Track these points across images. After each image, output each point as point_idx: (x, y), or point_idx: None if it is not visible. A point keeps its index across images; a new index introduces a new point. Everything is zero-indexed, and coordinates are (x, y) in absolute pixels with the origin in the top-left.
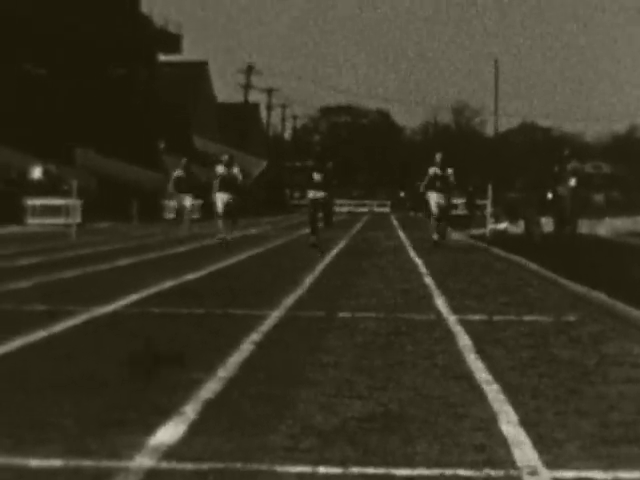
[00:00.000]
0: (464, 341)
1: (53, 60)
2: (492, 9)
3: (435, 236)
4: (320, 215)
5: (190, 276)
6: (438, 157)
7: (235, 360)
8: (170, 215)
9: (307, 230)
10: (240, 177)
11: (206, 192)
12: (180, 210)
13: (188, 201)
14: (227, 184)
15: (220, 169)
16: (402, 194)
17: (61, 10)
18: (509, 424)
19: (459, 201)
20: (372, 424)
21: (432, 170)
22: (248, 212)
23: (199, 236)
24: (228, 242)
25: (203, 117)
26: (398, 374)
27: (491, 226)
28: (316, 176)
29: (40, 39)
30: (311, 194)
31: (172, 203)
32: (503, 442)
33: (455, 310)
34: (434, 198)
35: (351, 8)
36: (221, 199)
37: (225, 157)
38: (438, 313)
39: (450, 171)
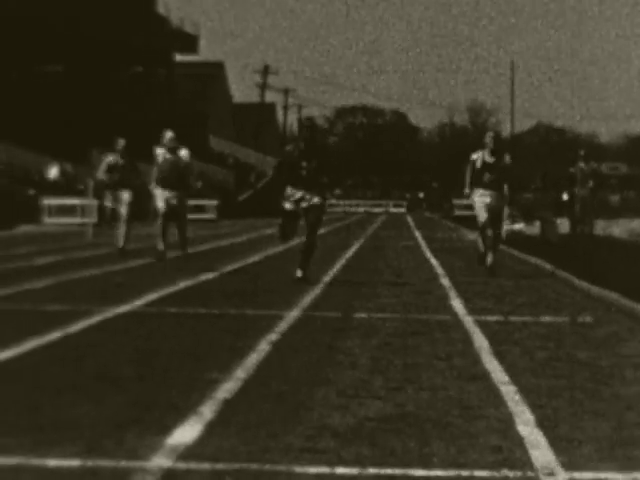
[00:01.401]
0: (480, 342)
1: (69, 60)
2: (508, 10)
3: (489, 258)
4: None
5: (207, 276)
6: (489, 138)
7: (252, 360)
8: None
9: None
10: (190, 165)
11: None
12: (113, 211)
13: (125, 199)
14: (171, 176)
15: (161, 153)
16: (421, 195)
17: (77, 10)
18: (526, 425)
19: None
20: (389, 425)
21: (478, 156)
22: (263, 213)
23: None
24: (165, 258)
25: (219, 117)
26: (415, 374)
27: (507, 227)
28: (305, 165)
29: (56, 39)
30: (291, 194)
31: (107, 201)
32: (520, 443)
33: (471, 311)
34: (481, 199)
35: (368, 9)
36: (162, 198)
37: (168, 136)
38: (454, 314)
39: (508, 158)
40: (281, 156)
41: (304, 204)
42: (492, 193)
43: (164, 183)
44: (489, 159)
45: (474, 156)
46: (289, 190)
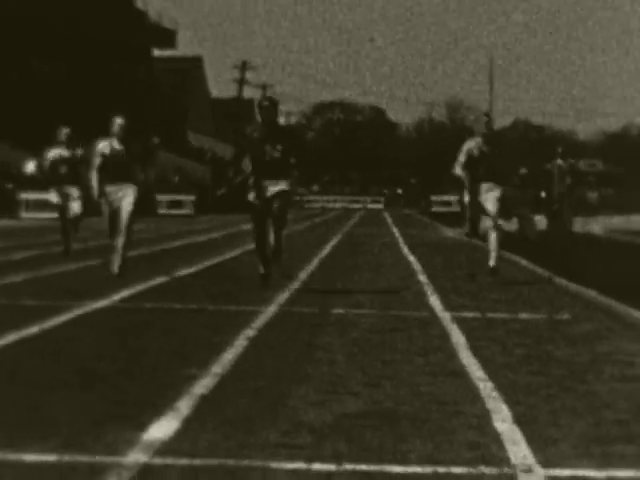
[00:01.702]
0: (458, 338)
1: (49, 55)
2: (487, 6)
3: (492, 262)
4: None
5: (184, 271)
6: (482, 123)
7: (229, 356)
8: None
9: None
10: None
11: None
12: (62, 209)
13: (74, 196)
14: (119, 169)
15: (106, 145)
16: (399, 191)
17: (57, 6)
18: (503, 422)
19: (452, 198)
20: (366, 421)
21: (472, 145)
22: (241, 208)
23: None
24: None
25: (198, 112)
26: (392, 371)
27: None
28: (269, 149)
29: (37, 35)
30: (253, 185)
31: (53, 197)
32: (497, 440)
33: (449, 307)
34: (488, 193)
35: (346, 5)
36: (110, 195)
37: (118, 122)
38: (432, 310)
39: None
40: (241, 140)
41: (267, 193)
42: (486, 185)
43: (112, 178)
44: (486, 148)
45: (470, 145)
46: (251, 180)
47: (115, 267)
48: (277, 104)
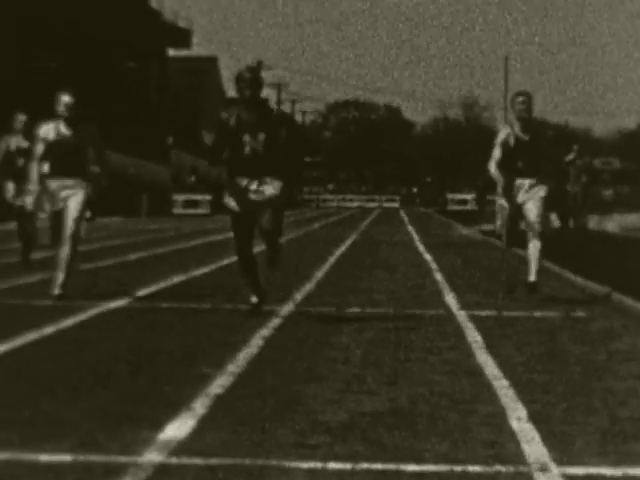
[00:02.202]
0: (473, 336)
1: (64, 55)
2: (502, 5)
3: (532, 277)
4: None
5: (199, 271)
6: (519, 104)
7: (245, 355)
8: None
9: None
10: (96, 147)
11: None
12: (20, 208)
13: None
14: (64, 160)
15: (50, 128)
16: (415, 189)
17: (72, 5)
18: (519, 420)
19: (469, 197)
20: (382, 420)
21: (505, 134)
22: None
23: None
24: (62, 294)
25: (213, 112)
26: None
27: (500, 222)
28: (248, 139)
29: (51, 34)
30: (230, 184)
31: (10, 193)
32: (513, 438)
33: (464, 306)
34: (528, 194)
35: (361, 3)
36: (57, 191)
37: (64, 101)
38: (448, 309)
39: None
40: (217, 128)
41: (252, 196)
42: (526, 182)
43: (61, 170)
44: (523, 136)
45: (503, 134)
46: (229, 180)
47: (56, 287)
48: (260, 77)
